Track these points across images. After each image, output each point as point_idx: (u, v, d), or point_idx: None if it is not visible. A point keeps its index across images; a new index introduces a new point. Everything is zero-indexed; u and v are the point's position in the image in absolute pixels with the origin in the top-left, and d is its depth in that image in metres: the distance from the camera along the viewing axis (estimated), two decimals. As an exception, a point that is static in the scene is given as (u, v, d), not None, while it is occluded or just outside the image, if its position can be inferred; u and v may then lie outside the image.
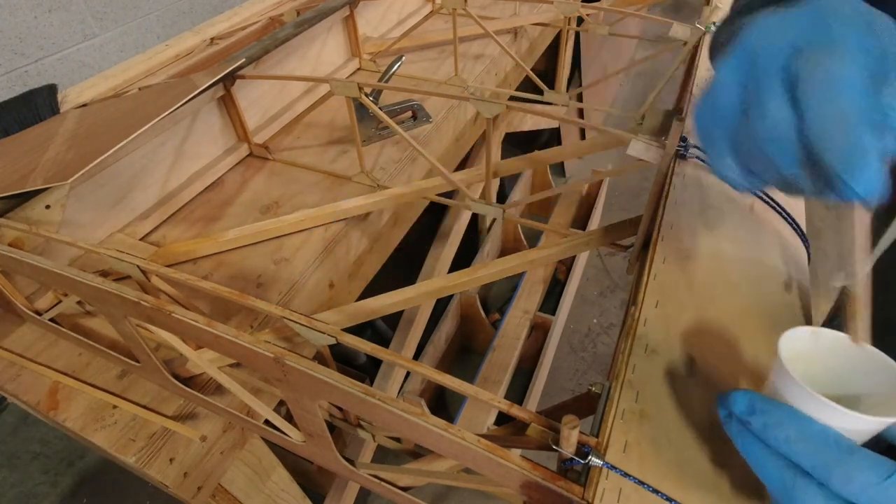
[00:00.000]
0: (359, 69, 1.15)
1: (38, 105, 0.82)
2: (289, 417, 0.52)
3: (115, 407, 0.58)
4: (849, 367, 0.30)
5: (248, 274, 0.71)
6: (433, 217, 1.26)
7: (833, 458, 0.25)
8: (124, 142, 0.63)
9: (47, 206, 0.64)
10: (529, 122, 1.66)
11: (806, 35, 0.27)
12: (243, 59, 0.82)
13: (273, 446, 0.66)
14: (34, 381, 0.61)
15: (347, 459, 0.52)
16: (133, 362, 0.58)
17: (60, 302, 0.66)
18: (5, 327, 0.67)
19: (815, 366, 0.31)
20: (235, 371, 0.58)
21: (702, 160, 0.62)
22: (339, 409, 0.57)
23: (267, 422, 0.55)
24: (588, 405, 0.46)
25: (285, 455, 0.70)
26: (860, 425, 0.26)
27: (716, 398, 0.30)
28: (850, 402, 0.29)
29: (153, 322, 0.47)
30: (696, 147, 0.62)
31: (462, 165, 1.20)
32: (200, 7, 1.78)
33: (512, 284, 1.67)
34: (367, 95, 0.74)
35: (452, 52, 1.07)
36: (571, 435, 0.32)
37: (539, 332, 1.56)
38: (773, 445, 0.27)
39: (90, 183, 0.71)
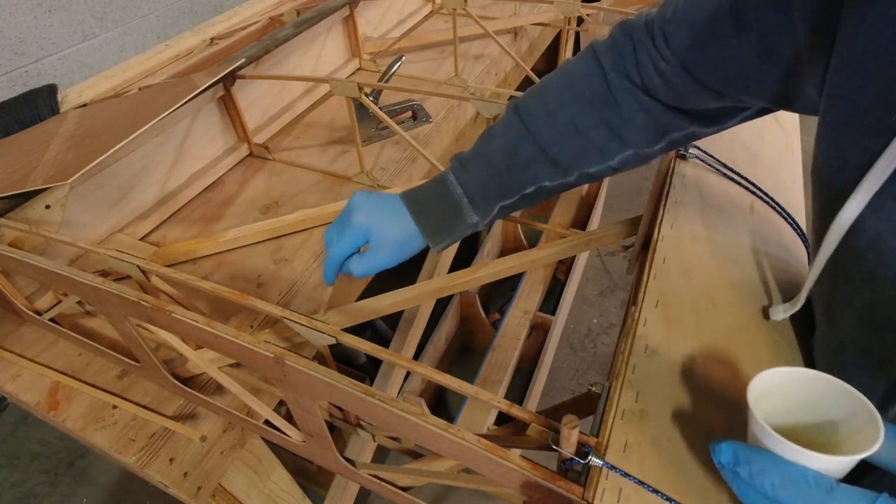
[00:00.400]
0: (359, 69, 1.15)
1: (38, 105, 0.82)
2: (289, 417, 0.52)
3: (115, 407, 0.58)
4: (822, 396, 0.30)
5: (248, 274, 0.71)
6: (433, 217, 1.25)
7: (815, 499, 0.27)
8: (124, 142, 0.63)
9: (47, 206, 0.64)
10: (529, 122, 1.66)
11: None
12: (243, 59, 0.82)
13: (273, 446, 0.66)
14: (34, 381, 0.61)
15: (347, 459, 0.52)
16: (133, 362, 0.58)
17: (60, 302, 0.66)
18: (5, 327, 0.67)
19: (792, 399, 0.31)
20: (235, 371, 0.58)
21: (702, 160, 0.62)
22: (339, 409, 0.57)
23: (267, 422, 0.55)
24: (588, 405, 0.46)
25: (285, 455, 0.70)
26: (833, 465, 0.27)
27: (709, 447, 0.31)
28: (829, 428, 0.30)
29: (153, 322, 0.47)
30: (696, 147, 0.62)
31: (462, 165, 1.19)
32: (200, 7, 1.78)
33: (512, 284, 1.67)
34: (367, 95, 0.74)
35: (452, 52, 1.07)
36: (571, 435, 0.32)
37: (539, 332, 1.56)
38: (762, 492, 0.28)
39: (90, 183, 0.71)
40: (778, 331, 0.43)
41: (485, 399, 0.36)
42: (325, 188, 0.84)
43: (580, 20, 1.10)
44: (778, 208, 0.55)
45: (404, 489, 0.54)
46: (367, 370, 1.41)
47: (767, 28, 0.36)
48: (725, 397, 0.38)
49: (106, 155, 0.62)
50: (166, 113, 0.68)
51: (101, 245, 0.73)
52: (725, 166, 0.60)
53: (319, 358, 0.46)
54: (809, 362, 0.41)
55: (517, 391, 1.53)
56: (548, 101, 0.48)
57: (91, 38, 1.50)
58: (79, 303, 0.67)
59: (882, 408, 0.29)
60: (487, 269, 0.58)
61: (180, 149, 0.82)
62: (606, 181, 1.98)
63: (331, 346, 0.44)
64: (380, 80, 0.96)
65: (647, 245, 0.53)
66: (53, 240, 0.57)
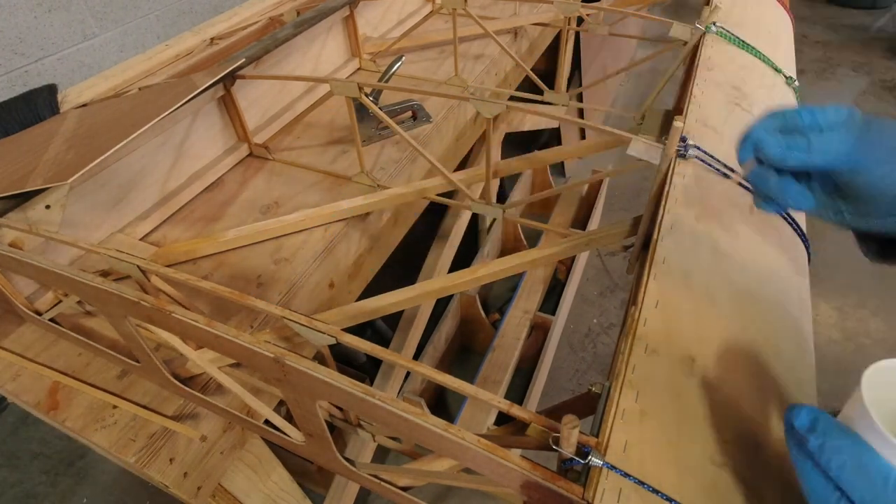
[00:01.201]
0: (359, 69, 1.15)
1: (38, 105, 0.82)
2: (289, 417, 0.52)
3: (115, 407, 0.58)
4: None
5: (248, 274, 0.71)
6: (433, 217, 1.26)
7: (886, 499, 0.25)
8: (124, 142, 0.63)
9: (47, 206, 0.64)
10: (529, 122, 1.66)
11: None
12: (243, 59, 0.82)
13: (273, 446, 0.66)
14: (34, 381, 0.61)
15: (347, 459, 0.52)
16: (133, 362, 0.58)
17: (60, 302, 0.66)
18: (5, 327, 0.67)
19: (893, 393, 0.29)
20: (235, 371, 0.58)
21: (702, 160, 0.62)
22: (339, 409, 0.57)
23: (267, 422, 0.55)
24: (588, 405, 0.46)
25: (285, 455, 0.70)
26: None
27: (787, 409, 0.30)
28: None
29: (153, 322, 0.47)
30: (696, 147, 0.62)
31: (462, 165, 1.20)
32: (200, 7, 1.78)
33: (512, 284, 1.67)
34: (367, 95, 0.74)
35: (452, 52, 1.07)
36: (571, 435, 0.32)
37: (539, 332, 1.56)
38: (825, 468, 0.27)
39: (90, 183, 0.71)
40: (780, 330, 0.43)
41: (485, 399, 0.36)
42: (325, 188, 0.84)
43: (580, 20, 1.10)
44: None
45: (404, 489, 0.54)
46: (367, 370, 1.41)
47: None
48: (726, 396, 0.38)
49: (106, 155, 0.62)
50: (166, 113, 0.68)
51: (101, 245, 0.73)
52: (725, 166, 0.59)
53: (319, 358, 0.46)
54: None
55: (517, 391, 1.53)
56: None
57: (91, 38, 1.50)
58: (79, 303, 0.67)
59: None
60: (487, 269, 0.58)
61: (180, 149, 0.82)
62: (606, 181, 1.98)
63: (331, 346, 0.44)
64: (380, 80, 0.96)
65: (647, 245, 0.53)
66: (53, 240, 0.57)
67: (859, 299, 1.79)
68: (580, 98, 2.07)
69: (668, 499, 0.32)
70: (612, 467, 0.34)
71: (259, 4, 1.21)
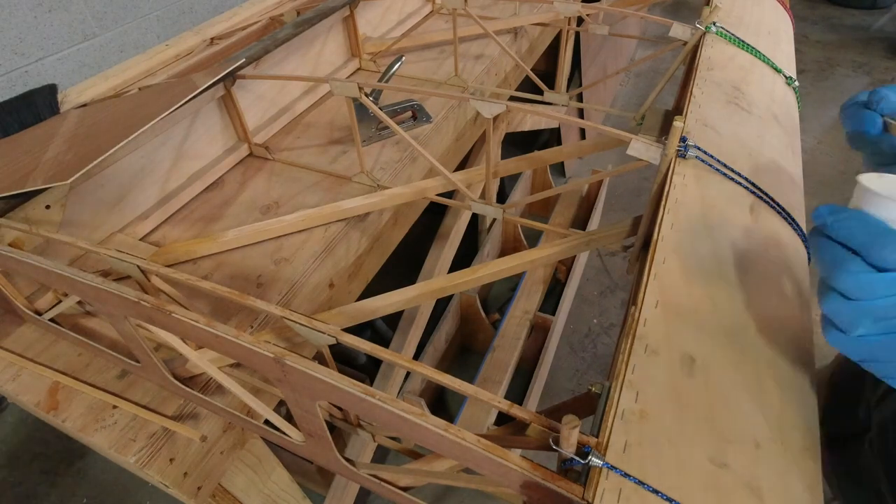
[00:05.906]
0: (359, 69, 1.15)
1: (38, 105, 0.82)
2: (289, 417, 0.52)
3: (115, 407, 0.58)
4: None
5: (248, 274, 0.71)
6: (433, 217, 1.26)
7: (877, 235, 0.33)
8: (124, 142, 0.63)
9: (47, 206, 0.64)
10: (529, 122, 1.66)
11: None
12: (243, 59, 0.82)
13: (273, 446, 0.66)
14: (34, 381, 0.61)
15: (347, 459, 0.52)
16: (133, 362, 0.58)
17: (60, 302, 0.66)
18: (5, 327, 0.67)
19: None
20: (235, 371, 0.58)
21: (702, 160, 0.62)
22: (339, 409, 0.57)
23: (267, 422, 0.55)
24: (588, 405, 0.46)
25: (285, 455, 0.70)
26: None
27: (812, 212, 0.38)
28: None
29: (153, 322, 0.47)
30: (696, 147, 0.62)
31: (462, 165, 1.20)
32: (200, 7, 1.78)
33: (512, 284, 1.68)
34: (367, 95, 0.74)
35: (452, 52, 1.07)
36: (571, 435, 0.32)
37: (539, 332, 1.56)
38: (837, 236, 0.35)
39: (90, 183, 0.71)
40: (780, 331, 0.43)
41: (485, 399, 0.36)
42: (325, 188, 0.84)
43: (580, 20, 1.10)
44: (778, 208, 0.55)
45: (404, 489, 0.54)
46: (367, 370, 1.41)
47: None
48: (726, 397, 0.38)
49: (106, 155, 0.62)
50: (166, 113, 0.68)
51: (101, 245, 0.73)
52: (725, 166, 0.59)
53: (319, 358, 0.46)
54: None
55: (517, 391, 1.53)
56: None
57: (91, 38, 1.50)
58: (79, 303, 0.67)
59: None
60: (487, 269, 0.59)
61: (180, 149, 0.82)
62: (606, 181, 1.98)
63: (331, 346, 0.44)
64: (380, 80, 0.96)
65: (647, 245, 0.53)
66: (53, 240, 0.57)
67: (859, 299, 1.78)
68: (580, 98, 2.07)
69: (668, 499, 0.32)
70: (612, 467, 0.34)
71: (259, 4, 1.21)
